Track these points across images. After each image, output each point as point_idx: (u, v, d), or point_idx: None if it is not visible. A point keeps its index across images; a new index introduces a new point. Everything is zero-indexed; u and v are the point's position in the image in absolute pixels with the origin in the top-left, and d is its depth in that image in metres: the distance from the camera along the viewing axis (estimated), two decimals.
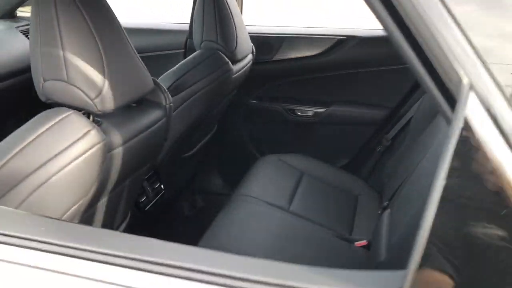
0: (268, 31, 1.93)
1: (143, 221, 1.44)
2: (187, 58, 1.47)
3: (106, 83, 0.84)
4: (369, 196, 1.69)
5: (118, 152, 0.88)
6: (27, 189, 0.79)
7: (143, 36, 1.96)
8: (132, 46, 0.93)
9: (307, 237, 1.44)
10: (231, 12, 1.51)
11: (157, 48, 1.92)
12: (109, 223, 1.05)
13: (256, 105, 1.97)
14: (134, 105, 0.99)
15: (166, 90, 1.07)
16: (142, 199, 1.33)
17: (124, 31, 0.92)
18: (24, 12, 2.13)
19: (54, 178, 0.78)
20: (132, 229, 1.28)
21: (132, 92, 0.91)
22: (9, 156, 0.78)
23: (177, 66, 1.42)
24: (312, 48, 1.84)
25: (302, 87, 1.93)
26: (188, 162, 1.67)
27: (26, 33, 1.94)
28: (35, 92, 0.86)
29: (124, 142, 0.89)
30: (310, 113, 1.91)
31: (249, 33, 1.71)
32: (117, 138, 0.87)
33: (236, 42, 1.52)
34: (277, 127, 1.97)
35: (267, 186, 1.62)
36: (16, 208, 0.80)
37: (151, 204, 1.36)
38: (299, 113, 1.92)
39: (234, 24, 1.52)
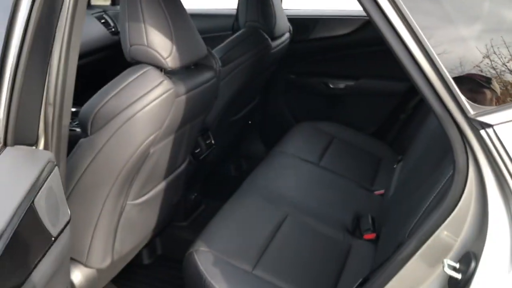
0: (304, 14, 2.20)
1: (196, 171, 1.76)
2: (233, 36, 1.77)
3: (174, 47, 1.14)
4: (392, 157, 1.93)
5: (182, 99, 1.18)
6: (119, 123, 1.11)
7: (197, 20, 2.28)
8: (192, 22, 1.24)
9: (332, 185, 1.71)
10: None
11: (209, 31, 2.22)
12: (173, 160, 1.37)
13: (294, 79, 2.24)
14: (192, 67, 1.30)
15: (216, 56, 1.37)
16: (197, 150, 1.65)
17: (185, 10, 1.22)
18: (97, 1, 2.51)
19: (138, 114, 1.10)
20: (187, 177, 1.59)
21: (192, 55, 1.21)
22: (107, 98, 1.11)
23: (224, 43, 1.72)
24: (343, 28, 2.09)
25: (335, 62, 2.18)
26: (234, 125, 1.97)
27: (99, 19, 2.31)
28: (106, 66, 1.16)
29: (186, 92, 1.19)
30: (341, 86, 2.16)
31: (288, 16, 1.99)
32: (181, 88, 1.18)
33: (275, 21, 1.80)
34: (312, 98, 2.24)
35: (300, 145, 1.89)
36: (108, 140, 1.11)
37: (204, 155, 1.67)
38: (332, 86, 2.17)
39: (273, 6, 1.80)
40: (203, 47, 1.27)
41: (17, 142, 0.89)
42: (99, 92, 1.14)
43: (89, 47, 2.11)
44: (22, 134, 0.90)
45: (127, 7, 1.13)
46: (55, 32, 0.93)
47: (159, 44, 1.12)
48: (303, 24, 2.14)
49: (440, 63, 0.70)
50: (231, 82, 1.67)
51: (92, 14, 2.31)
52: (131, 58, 1.16)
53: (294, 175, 1.69)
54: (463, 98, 0.69)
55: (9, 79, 0.86)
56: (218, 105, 1.63)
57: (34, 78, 0.91)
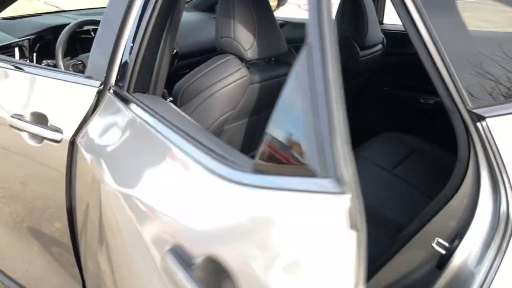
0: (401, 29, 2.26)
1: None
2: None
3: (256, 42, 1.35)
4: None
5: (256, 86, 1.39)
6: (201, 99, 1.34)
7: (294, 28, 2.49)
8: (276, 21, 1.43)
9: (397, 189, 1.77)
10: (365, 10, 1.91)
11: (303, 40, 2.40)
12: (248, 143, 1.57)
13: (386, 90, 2.32)
14: (272, 61, 1.49)
15: (296, 54, 1.55)
16: None
17: (272, 12, 1.42)
18: None
19: (216, 94, 1.32)
20: None
21: (270, 50, 1.41)
22: (194, 79, 1.35)
23: None
24: None
25: (428, 78, 2.21)
26: None
27: None
28: None
29: (260, 81, 1.39)
30: (431, 101, 2.19)
31: (386, 30, 2.08)
32: (256, 77, 1.38)
33: (366, 31, 1.92)
34: (401, 111, 2.29)
35: (377, 152, 1.97)
36: (192, 112, 1.35)
37: None
38: (422, 101, 2.21)
39: (367, 17, 1.92)
40: (283, 44, 1.46)
41: (135, 91, 1.15)
42: (189, 73, 1.39)
43: (203, 47, 2.39)
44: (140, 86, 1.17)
45: (222, 6, 1.36)
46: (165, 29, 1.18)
47: (243, 38, 1.34)
48: (399, 38, 2.21)
49: (447, 58, 0.79)
50: None
51: (214, 18, 2.63)
52: (220, 48, 1.39)
53: (362, 176, 1.79)
54: (463, 91, 0.77)
55: (137, 51, 1.14)
56: None
57: (150, 53, 1.16)
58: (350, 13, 1.92)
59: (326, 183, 0.56)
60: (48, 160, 1.28)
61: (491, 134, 0.74)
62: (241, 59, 1.36)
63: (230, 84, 1.32)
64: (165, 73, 1.21)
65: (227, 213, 0.70)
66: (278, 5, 2.92)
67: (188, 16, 2.76)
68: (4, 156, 1.44)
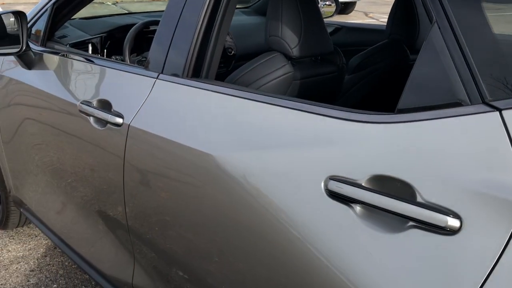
0: None
1: None
2: (375, 45, 1.97)
3: (301, 40, 1.43)
4: None
5: (299, 82, 1.47)
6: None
7: (350, 32, 2.54)
8: (323, 21, 1.51)
9: None
10: (417, 13, 1.94)
11: (363, 43, 2.45)
12: None
13: None
14: (319, 60, 1.57)
15: (342, 54, 1.62)
16: None
17: (320, 11, 1.50)
18: None
19: (262, 87, 1.42)
20: None
21: (315, 49, 1.49)
22: (244, 72, 1.46)
23: (365, 50, 1.94)
24: None
25: None
26: None
27: None
28: None
29: (304, 78, 1.47)
30: None
31: None
32: (300, 74, 1.46)
33: (417, 36, 1.95)
34: None
35: None
36: None
37: None
38: None
39: (419, 22, 1.95)
40: (329, 44, 1.53)
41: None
42: (240, 67, 1.50)
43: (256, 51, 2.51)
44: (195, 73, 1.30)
45: (272, 6, 1.47)
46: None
47: (289, 36, 1.43)
48: None
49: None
50: (363, 86, 1.89)
51: None
52: (268, 46, 1.49)
53: None
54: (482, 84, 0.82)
55: (193, 45, 1.28)
56: (348, 104, 1.86)
57: (203, 46, 1.29)
58: (402, 17, 1.95)
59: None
60: (110, 144, 1.44)
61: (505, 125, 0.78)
62: (287, 56, 1.45)
63: (275, 79, 1.42)
64: (217, 63, 1.33)
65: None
66: (336, 11, 2.99)
67: (248, 20, 2.90)
68: (73, 140, 1.62)
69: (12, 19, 1.78)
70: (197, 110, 1.22)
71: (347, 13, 11.93)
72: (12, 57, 1.92)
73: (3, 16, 1.76)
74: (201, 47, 1.29)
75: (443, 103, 0.86)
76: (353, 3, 11.80)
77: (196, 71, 1.30)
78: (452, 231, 0.79)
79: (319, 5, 3.09)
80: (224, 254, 1.14)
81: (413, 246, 0.83)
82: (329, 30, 2.72)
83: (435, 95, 0.87)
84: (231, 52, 2.43)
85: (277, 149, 1.02)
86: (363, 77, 1.85)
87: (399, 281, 0.84)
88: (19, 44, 1.77)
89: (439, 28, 0.88)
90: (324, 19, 3.02)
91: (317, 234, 0.94)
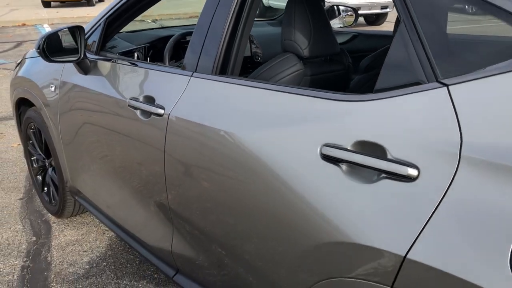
0: None
1: None
2: (383, 47, 2.22)
3: (311, 42, 1.71)
4: None
5: (309, 78, 1.74)
6: None
7: (366, 39, 2.79)
8: (330, 27, 1.78)
9: None
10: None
11: (377, 48, 2.69)
12: None
13: None
14: (328, 59, 1.84)
15: (348, 55, 1.88)
16: None
17: (327, 18, 1.77)
18: None
19: (278, 82, 1.70)
20: None
21: (323, 50, 1.76)
22: (262, 70, 1.75)
23: (375, 52, 2.19)
24: None
25: None
26: None
27: None
28: None
29: (313, 75, 1.75)
30: None
31: None
32: (310, 71, 1.74)
33: None
34: None
35: None
36: None
37: None
38: None
39: None
40: (336, 46, 1.80)
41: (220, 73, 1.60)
42: (260, 66, 1.79)
43: None
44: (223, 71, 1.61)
45: (286, 15, 1.75)
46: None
47: (300, 39, 1.71)
48: None
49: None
50: (373, 85, 2.13)
51: None
52: (283, 48, 1.78)
53: None
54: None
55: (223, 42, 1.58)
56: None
57: (229, 50, 1.59)
58: None
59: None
60: (153, 132, 1.75)
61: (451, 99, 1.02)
62: (299, 56, 1.73)
63: (288, 75, 1.70)
64: (240, 63, 1.62)
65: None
66: (355, 20, 3.24)
67: (273, 30, 3.20)
68: (123, 132, 1.94)
69: (67, 35, 2.13)
70: (222, 99, 1.51)
71: (379, 24, 12.08)
72: (71, 65, 2.28)
73: (59, 33, 2.11)
74: (227, 51, 1.59)
75: (407, 83, 1.11)
76: (385, 14, 11.96)
77: (223, 69, 1.60)
78: (412, 179, 1.04)
79: (342, 15, 3.36)
80: (252, 222, 1.41)
81: (384, 193, 1.08)
82: (347, 37, 2.99)
83: (402, 77, 1.13)
84: (258, 58, 2.73)
85: (285, 127, 1.30)
86: (372, 77, 2.10)
87: (373, 221, 1.09)
88: (77, 54, 2.13)
89: (405, 25, 1.14)
90: (345, 28, 3.29)
91: (313, 188, 1.20)
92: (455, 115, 1.01)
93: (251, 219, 1.39)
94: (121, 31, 2.42)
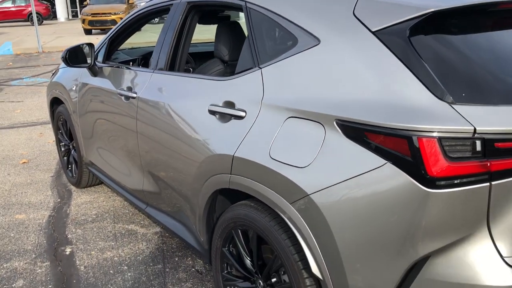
0: None
1: None
2: None
3: (230, 51, 2.66)
4: None
5: (228, 75, 2.69)
6: None
7: None
8: (244, 41, 2.73)
9: None
10: None
11: None
12: None
13: None
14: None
15: None
16: None
17: (244, 35, 2.72)
18: None
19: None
20: None
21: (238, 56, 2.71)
22: (199, 69, 2.70)
23: None
24: None
25: None
26: None
27: None
28: None
29: (230, 73, 2.69)
30: None
31: None
32: (228, 69, 2.68)
33: None
34: None
35: None
36: None
37: None
38: None
39: None
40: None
41: (169, 69, 2.58)
42: (199, 67, 2.74)
43: None
44: (172, 68, 2.58)
45: (216, 32, 2.70)
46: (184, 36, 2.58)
47: (223, 49, 2.65)
48: None
49: None
50: None
51: None
52: (214, 55, 2.72)
53: None
54: None
55: (171, 50, 2.56)
56: None
57: (176, 53, 2.57)
58: None
59: None
60: (130, 109, 2.72)
61: None
62: (222, 60, 2.67)
63: (213, 72, 2.64)
64: (184, 63, 2.58)
65: None
66: None
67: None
68: (115, 112, 2.92)
69: (84, 49, 3.16)
70: (167, 85, 2.47)
71: None
72: (86, 71, 3.31)
73: (77, 47, 3.13)
74: (173, 56, 2.55)
75: (246, 68, 2.03)
76: None
77: (172, 67, 2.56)
78: (243, 117, 1.95)
79: None
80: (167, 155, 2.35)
81: (231, 126, 1.99)
82: None
83: (245, 66, 2.05)
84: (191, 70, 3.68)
85: (195, 96, 2.24)
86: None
87: (224, 141, 1.99)
88: (90, 61, 3.15)
89: (248, 38, 2.07)
90: None
91: (204, 128, 2.13)
92: (262, 83, 1.92)
93: (177, 155, 2.33)
94: (120, 48, 3.46)
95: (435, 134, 1.38)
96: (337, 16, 1.78)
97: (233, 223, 2.02)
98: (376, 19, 1.66)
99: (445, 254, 1.44)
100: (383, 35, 1.61)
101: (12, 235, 3.25)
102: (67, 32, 20.38)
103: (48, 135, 5.55)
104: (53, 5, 30.08)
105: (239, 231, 2.03)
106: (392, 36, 1.59)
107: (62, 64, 3.93)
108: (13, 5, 26.18)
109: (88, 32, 18.82)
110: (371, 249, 1.52)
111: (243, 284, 2.10)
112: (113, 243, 3.10)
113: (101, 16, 18.58)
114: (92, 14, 18.53)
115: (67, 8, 31.83)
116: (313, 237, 1.62)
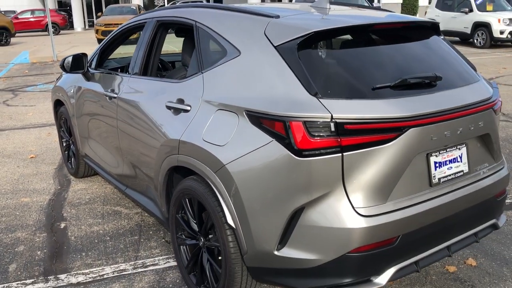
0: None
1: None
2: None
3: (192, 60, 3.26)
4: None
5: None
6: None
7: None
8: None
9: None
10: None
11: None
12: None
13: None
14: None
15: None
16: None
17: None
18: None
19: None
20: None
21: None
22: (167, 74, 3.32)
23: None
24: None
25: None
26: None
27: None
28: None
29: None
30: None
31: None
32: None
33: None
34: None
35: None
36: None
37: None
38: None
39: None
40: None
41: (142, 74, 3.20)
42: (170, 72, 3.34)
43: None
44: (145, 72, 3.21)
45: (182, 45, 3.30)
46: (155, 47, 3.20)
47: (187, 58, 3.25)
48: None
49: None
50: None
51: None
52: (181, 62, 3.32)
53: None
54: None
55: (144, 59, 3.18)
56: None
57: (149, 59, 3.19)
58: None
59: None
60: (112, 106, 3.34)
61: None
62: (186, 67, 3.27)
63: (178, 76, 3.24)
64: (155, 69, 3.19)
65: None
66: None
67: None
68: (101, 110, 3.55)
69: (79, 58, 3.79)
70: (139, 85, 3.08)
71: None
72: (81, 77, 3.94)
73: (72, 57, 3.77)
74: (146, 63, 3.16)
75: (193, 73, 2.63)
76: None
77: (145, 72, 3.17)
78: (188, 111, 2.53)
79: None
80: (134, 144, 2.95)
81: (179, 118, 2.58)
82: None
83: (193, 71, 2.65)
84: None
85: (156, 94, 2.84)
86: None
87: (176, 129, 2.59)
88: (82, 69, 3.78)
89: (195, 51, 2.67)
90: None
91: (161, 121, 2.73)
92: (202, 84, 2.51)
93: (143, 143, 2.93)
94: (110, 57, 4.09)
95: (301, 119, 1.95)
96: (253, 35, 2.36)
97: (182, 194, 2.60)
98: (278, 37, 2.24)
99: (314, 205, 2.01)
100: (281, 49, 2.19)
101: (18, 213, 3.88)
102: (82, 41, 21.28)
103: (55, 135, 6.21)
104: (70, 15, 31.25)
105: (187, 200, 2.61)
106: (286, 49, 2.17)
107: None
108: (32, 16, 27.28)
109: (101, 41, 19.70)
110: (264, 203, 2.09)
111: (190, 242, 2.68)
112: (100, 220, 3.71)
113: (113, 27, 19.43)
114: (105, 24, 19.39)
115: (84, 19, 32.99)
116: (228, 196, 2.20)
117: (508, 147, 5.28)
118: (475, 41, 15.38)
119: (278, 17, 2.37)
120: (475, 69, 2.57)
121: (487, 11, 15.32)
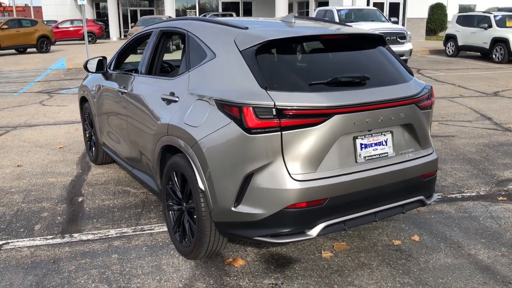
0: None
1: None
2: None
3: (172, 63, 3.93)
4: None
5: None
6: None
7: None
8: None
9: None
10: None
11: None
12: None
13: None
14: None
15: None
16: None
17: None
18: None
19: None
20: None
21: None
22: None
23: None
24: None
25: None
26: None
27: None
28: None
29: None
30: None
31: None
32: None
33: None
34: None
35: None
36: None
37: None
38: None
39: None
40: None
41: (148, 73, 3.91)
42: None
43: None
44: (150, 72, 3.90)
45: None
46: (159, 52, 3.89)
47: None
48: None
49: None
50: None
51: None
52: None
53: None
54: None
55: (150, 61, 3.87)
56: None
57: (152, 62, 3.88)
58: None
59: None
60: (123, 101, 4.04)
61: None
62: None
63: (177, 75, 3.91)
64: (159, 69, 3.87)
65: None
66: None
67: None
68: (116, 104, 4.26)
69: (100, 60, 4.53)
70: (143, 83, 3.77)
71: None
72: (102, 76, 4.68)
73: (94, 59, 4.50)
74: (151, 64, 3.84)
75: (182, 72, 3.29)
76: (405, 61, 13.73)
77: (150, 72, 3.85)
78: (177, 101, 3.19)
79: None
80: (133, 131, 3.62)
81: (170, 107, 3.24)
82: None
83: (182, 70, 3.31)
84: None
85: (150, 91, 3.52)
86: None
87: (166, 114, 3.25)
88: (103, 70, 4.51)
89: (184, 56, 3.33)
90: None
91: (158, 110, 3.39)
92: (188, 80, 3.17)
93: (144, 128, 3.60)
94: (126, 60, 4.82)
95: (251, 105, 2.57)
96: (226, 42, 3.01)
97: (170, 168, 3.25)
98: (243, 44, 2.88)
99: (261, 172, 2.62)
100: (244, 53, 2.83)
101: (44, 189, 4.62)
102: (115, 50, 22.40)
103: (81, 130, 7.01)
104: (107, 25, 32.82)
105: (174, 173, 3.26)
106: (248, 53, 2.81)
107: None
108: (71, 25, 28.89)
109: None
110: (224, 170, 2.71)
111: (176, 207, 3.32)
112: (111, 197, 4.40)
113: None
114: None
115: (120, 29, 34.54)
116: (199, 165, 2.83)
117: (487, 151, 5.73)
118: (494, 56, 15.63)
119: (247, 28, 3.01)
120: (411, 73, 3.14)
121: (507, 27, 15.56)
